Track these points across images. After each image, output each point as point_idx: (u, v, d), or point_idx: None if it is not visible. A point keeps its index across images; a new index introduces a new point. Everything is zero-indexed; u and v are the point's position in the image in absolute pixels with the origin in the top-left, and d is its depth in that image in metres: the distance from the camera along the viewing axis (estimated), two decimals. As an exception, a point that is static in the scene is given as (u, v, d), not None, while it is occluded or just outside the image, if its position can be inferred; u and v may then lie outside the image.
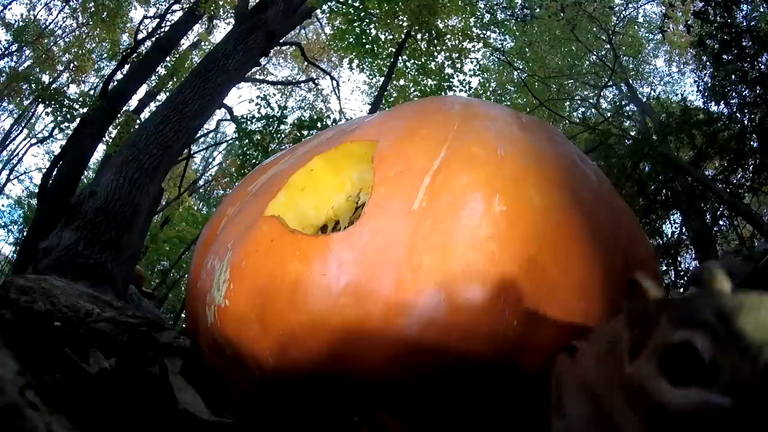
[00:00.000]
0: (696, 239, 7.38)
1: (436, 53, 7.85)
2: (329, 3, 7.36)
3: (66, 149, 6.31)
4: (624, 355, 0.42)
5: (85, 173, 7.25)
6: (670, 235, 7.99)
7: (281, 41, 7.81)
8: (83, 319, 0.85)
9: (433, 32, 7.43)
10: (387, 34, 7.80)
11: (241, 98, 17.46)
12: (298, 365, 0.71)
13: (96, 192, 3.54)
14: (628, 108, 10.05)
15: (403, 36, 7.47)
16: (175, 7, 8.95)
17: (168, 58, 7.93)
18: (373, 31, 7.79)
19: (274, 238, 0.75)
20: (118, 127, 7.03)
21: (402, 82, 8.60)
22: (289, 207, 0.83)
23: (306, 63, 10.44)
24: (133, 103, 8.26)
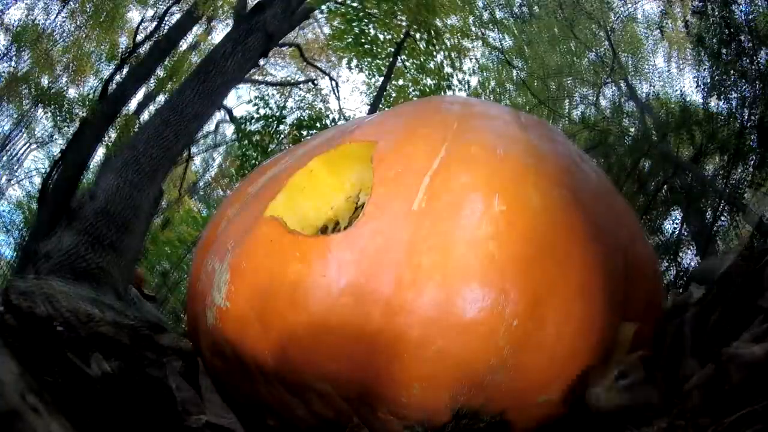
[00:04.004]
0: (696, 237, 7.37)
1: (435, 52, 7.83)
2: (328, 3, 7.35)
3: (66, 152, 6.29)
4: None
5: (85, 175, 7.23)
6: (670, 233, 7.98)
7: (280, 42, 7.80)
8: (84, 322, 0.85)
9: (432, 31, 7.42)
10: (386, 33, 7.79)
11: (241, 99, 17.41)
12: (297, 366, 0.71)
13: (96, 195, 3.54)
14: (627, 106, 10.03)
15: (401, 35, 7.46)
16: (174, 8, 8.93)
17: (167, 60, 7.91)
18: (372, 31, 7.78)
19: (274, 239, 0.75)
20: (118, 130, 7.01)
21: (401, 81, 8.57)
22: (289, 208, 0.83)
23: (305, 63, 10.42)
24: (133, 105, 8.24)
